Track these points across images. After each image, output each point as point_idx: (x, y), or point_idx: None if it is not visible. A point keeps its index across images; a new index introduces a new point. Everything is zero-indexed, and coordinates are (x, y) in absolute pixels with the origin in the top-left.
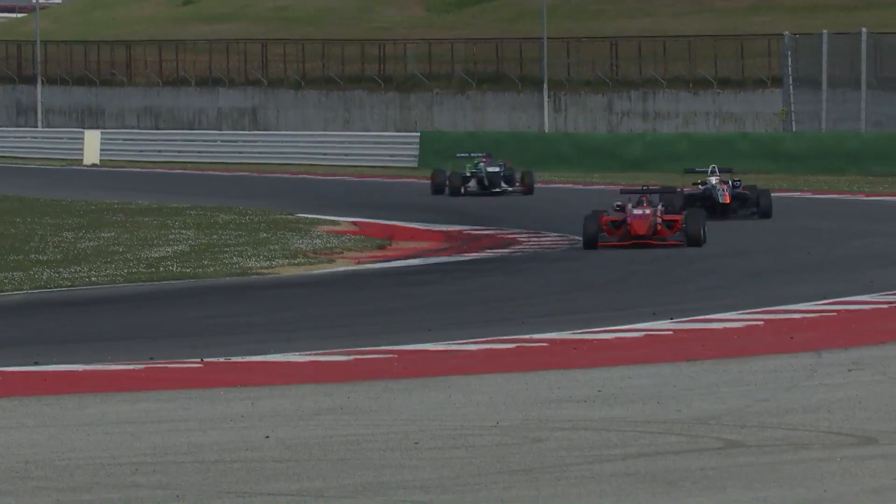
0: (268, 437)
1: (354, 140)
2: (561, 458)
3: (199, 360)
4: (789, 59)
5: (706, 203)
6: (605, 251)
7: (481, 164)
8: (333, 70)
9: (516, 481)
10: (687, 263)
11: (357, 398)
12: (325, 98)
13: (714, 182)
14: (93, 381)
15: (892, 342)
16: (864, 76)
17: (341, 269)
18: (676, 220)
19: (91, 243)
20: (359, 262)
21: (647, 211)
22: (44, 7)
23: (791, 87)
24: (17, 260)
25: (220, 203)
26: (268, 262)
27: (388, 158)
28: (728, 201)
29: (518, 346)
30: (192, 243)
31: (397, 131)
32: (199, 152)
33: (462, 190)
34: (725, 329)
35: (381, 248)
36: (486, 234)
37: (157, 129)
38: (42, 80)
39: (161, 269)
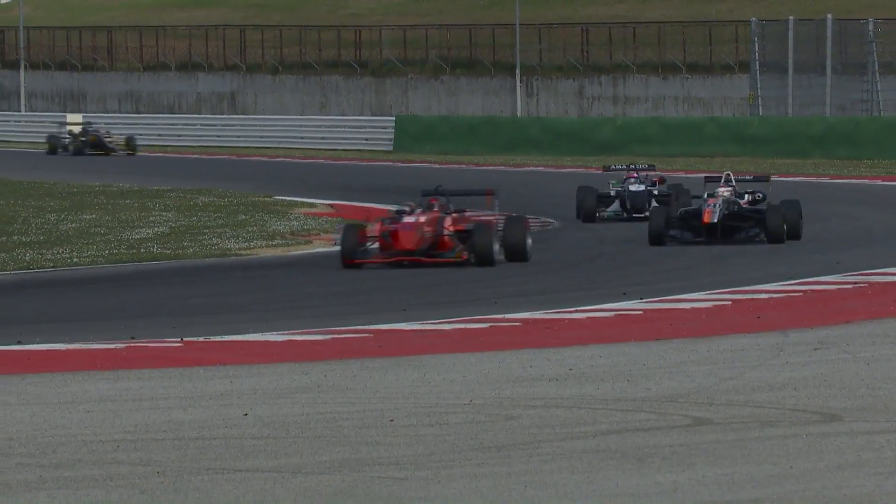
0: (246, 414)
1: (331, 124)
2: (533, 435)
3: (179, 339)
4: (756, 45)
5: (692, 221)
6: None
7: (632, 179)
8: (310, 55)
9: (489, 458)
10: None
11: (334, 377)
12: (303, 83)
13: (705, 196)
14: (75, 359)
15: (856, 322)
16: (829, 62)
17: (318, 250)
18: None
19: (73, 225)
20: (335, 244)
21: (423, 218)
22: None
23: (758, 72)
24: (1, 242)
25: (200, 186)
26: (246, 244)
27: (364, 142)
28: (707, 220)
29: (491, 327)
30: (173, 225)
31: (373, 115)
32: (179, 136)
33: (597, 214)
34: (694, 309)
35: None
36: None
37: (138, 113)
38: (25, 65)
39: (142, 250)
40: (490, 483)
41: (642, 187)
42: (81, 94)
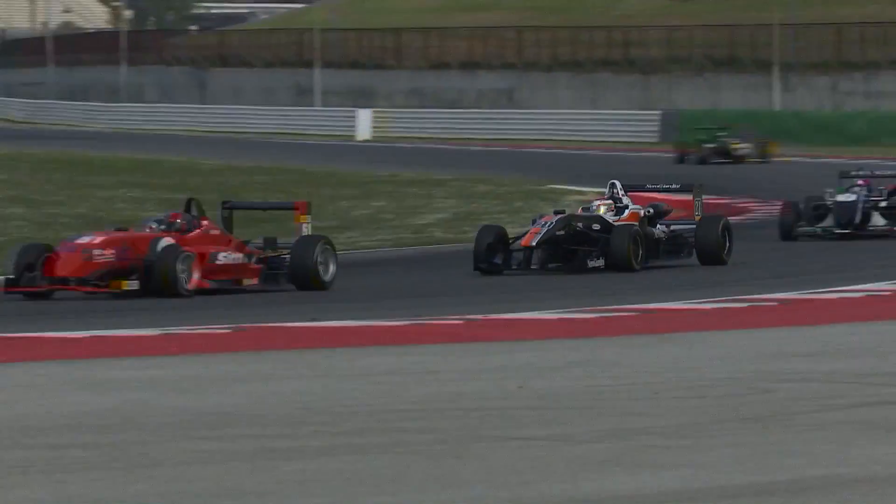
0: (521, 387)
1: (600, 118)
2: (788, 407)
3: (460, 318)
4: None
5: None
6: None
7: (856, 188)
8: (582, 54)
9: (748, 428)
10: None
11: (602, 352)
12: (574, 79)
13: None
14: (364, 335)
15: None
16: None
17: None
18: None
19: (364, 211)
20: None
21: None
22: None
23: None
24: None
25: (480, 175)
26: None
27: (631, 134)
28: (527, 244)
29: (750, 306)
30: (454, 211)
31: (640, 109)
32: (461, 129)
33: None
34: None
35: None
36: (721, 203)
37: (423, 108)
38: (320, 65)
39: (426, 234)
40: (748, 451)
41: (853, 197)
42: (371, 90)
